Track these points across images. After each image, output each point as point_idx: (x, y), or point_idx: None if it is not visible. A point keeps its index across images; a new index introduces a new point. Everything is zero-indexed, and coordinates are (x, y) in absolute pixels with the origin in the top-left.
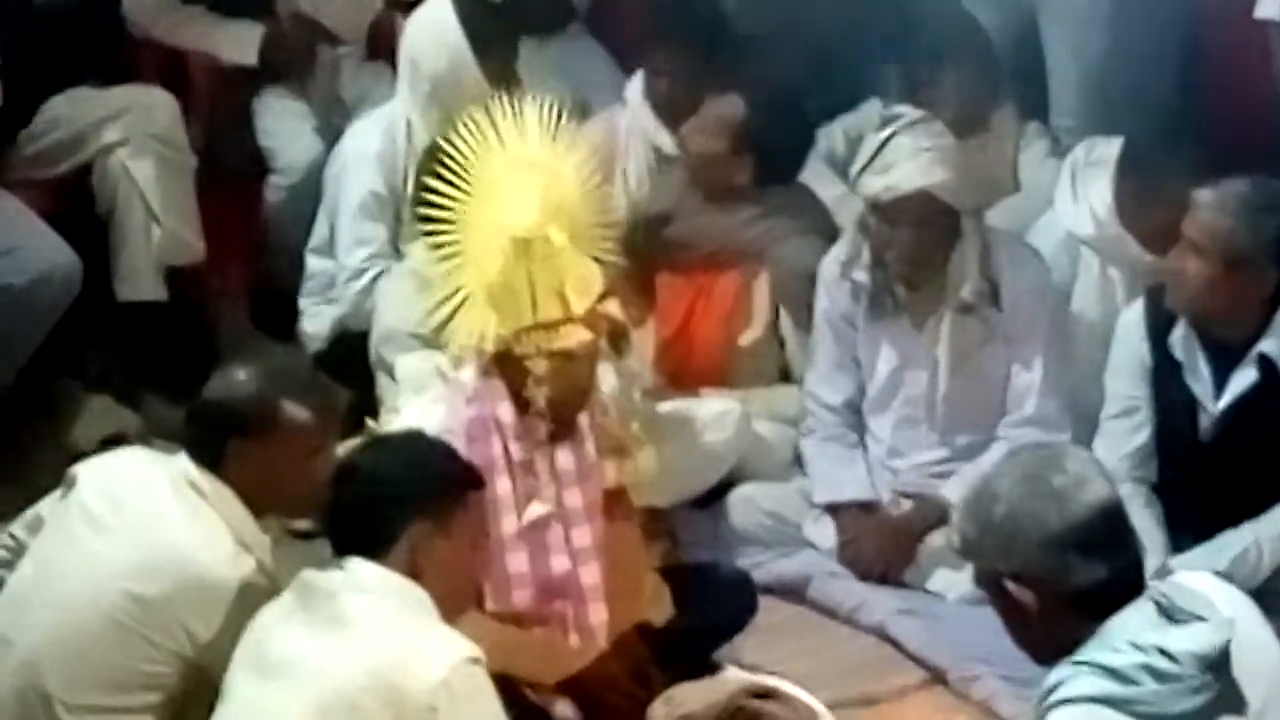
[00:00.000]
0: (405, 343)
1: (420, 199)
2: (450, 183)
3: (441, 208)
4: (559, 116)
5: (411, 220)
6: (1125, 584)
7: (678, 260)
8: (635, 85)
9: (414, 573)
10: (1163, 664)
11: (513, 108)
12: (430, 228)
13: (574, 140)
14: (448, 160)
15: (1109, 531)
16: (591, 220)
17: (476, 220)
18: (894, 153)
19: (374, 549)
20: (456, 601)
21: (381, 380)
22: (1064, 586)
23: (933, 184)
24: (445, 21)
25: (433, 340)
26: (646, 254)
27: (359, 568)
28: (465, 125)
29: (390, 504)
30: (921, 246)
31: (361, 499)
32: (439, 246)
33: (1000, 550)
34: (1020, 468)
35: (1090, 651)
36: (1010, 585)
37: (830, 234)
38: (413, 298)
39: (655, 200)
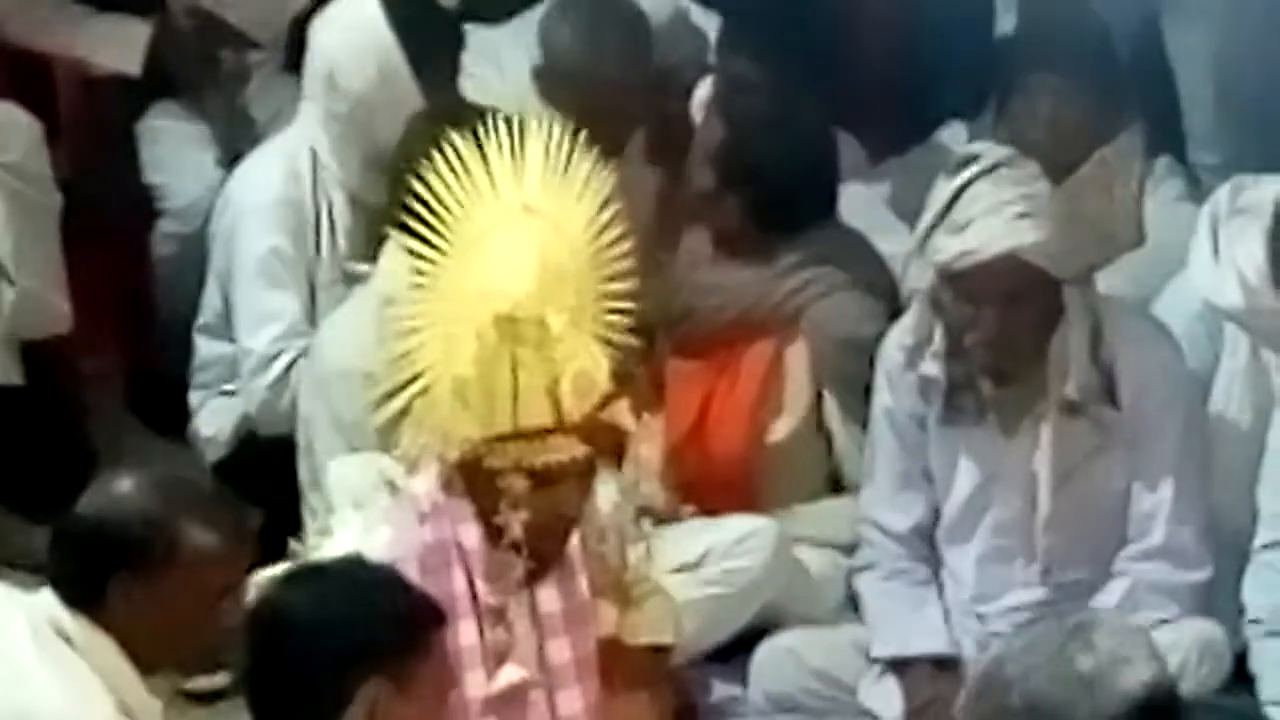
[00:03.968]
0: (361, 386)
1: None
2: (419, 233)
3: (418, 233)
4: (570, 150)
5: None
6: None
7: (689, 334)
8: (707, 85)
9: None
10: None
11: (509, 137)
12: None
13: (588, 182)
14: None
15: None
16: (603, 292)
17: (449, 286)
18: (971, 206)
19: (315, 716)
20: None
21: (310, 477)
22: None
23: (1023, 246)
24: (371, 21)
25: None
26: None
27: None
28: (443, 156)
29: (336, 660)
30: (1011, 329)
31: (296, 655)
32: (395, 318)
33: None
34: (1038, 645)
35: None
36: None
37: (890, 292)
38: (377, 325)
39: (659, 250)
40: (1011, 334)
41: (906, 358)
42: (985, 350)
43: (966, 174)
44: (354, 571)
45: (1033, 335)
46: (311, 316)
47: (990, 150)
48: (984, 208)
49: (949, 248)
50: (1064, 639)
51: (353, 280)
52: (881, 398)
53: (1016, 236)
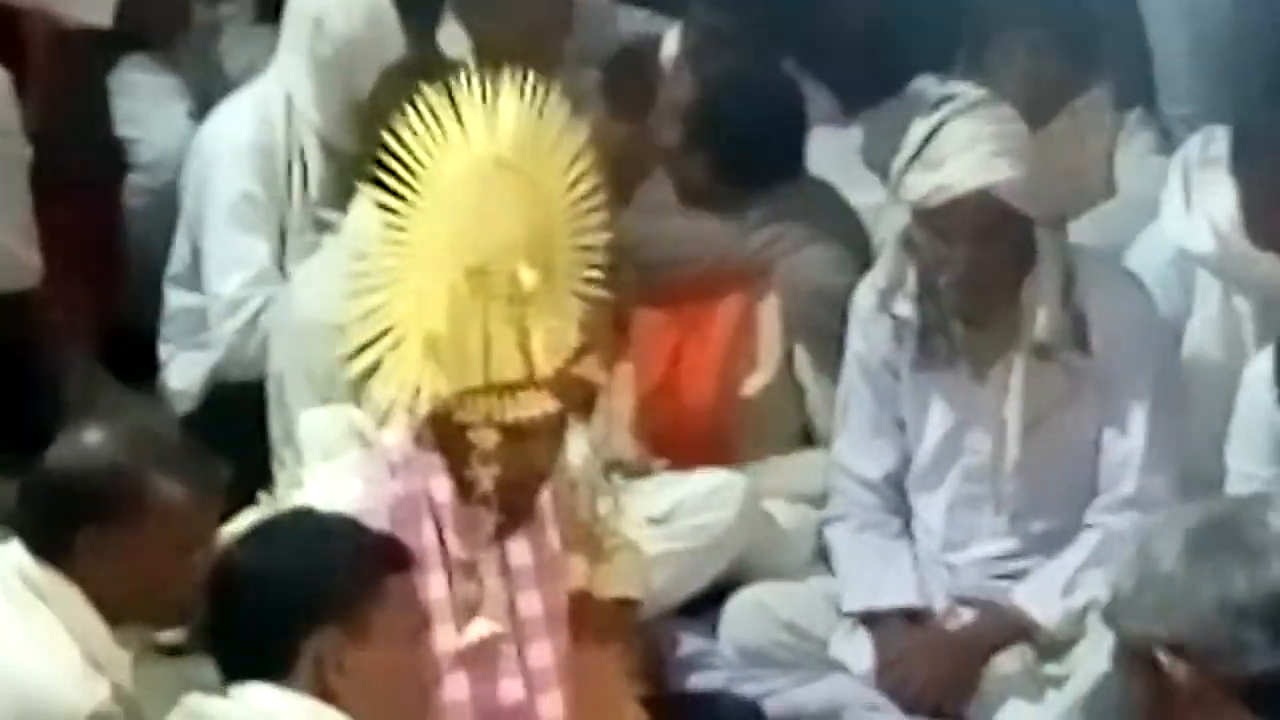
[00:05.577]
0: (333, 338)
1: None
2: (390, 186)
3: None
4: (545, 100)
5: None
6: None
7: (658, 287)
8: (674, 37)
9: (325, 694)
10: None
11: (483, 89)
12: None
13: (562, 136)
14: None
15: None
16: (575, 245)
17: (420, 239)
18: (946, 143)
19: (269, 669)
20: None
21: (281, 430)
22: (1232, 669)
23: (997, 183)
24: None
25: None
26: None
27: (254, 695)
28: (415, 109)
29: (280, 610)
30: (984, 268)
31: (245, 607)
32: (365, 272)
33: (1162, 610)
34: (1208, 512)
35: None
36: (1162, 657)
37: (861, 244)
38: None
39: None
40: (984, 274)
41: (879, 300)
42: (958, 290)
43: (942, 113)
44: (298, 524)
45: (1005, 276)
46: (281, 263)
47: (966, 91)
48: (959, 145)
49: (923, 184)
50: (1234, 510)
51: (324, 228)
52: (854, 344)
53: (990, 173)
